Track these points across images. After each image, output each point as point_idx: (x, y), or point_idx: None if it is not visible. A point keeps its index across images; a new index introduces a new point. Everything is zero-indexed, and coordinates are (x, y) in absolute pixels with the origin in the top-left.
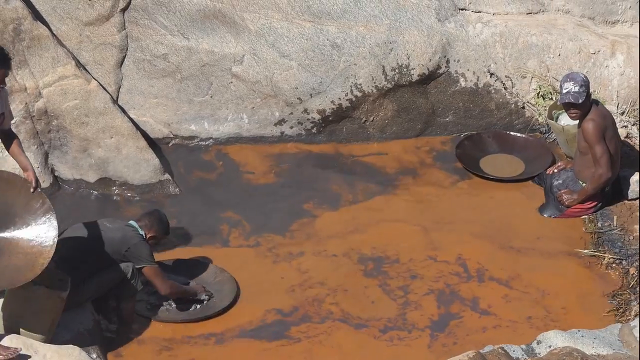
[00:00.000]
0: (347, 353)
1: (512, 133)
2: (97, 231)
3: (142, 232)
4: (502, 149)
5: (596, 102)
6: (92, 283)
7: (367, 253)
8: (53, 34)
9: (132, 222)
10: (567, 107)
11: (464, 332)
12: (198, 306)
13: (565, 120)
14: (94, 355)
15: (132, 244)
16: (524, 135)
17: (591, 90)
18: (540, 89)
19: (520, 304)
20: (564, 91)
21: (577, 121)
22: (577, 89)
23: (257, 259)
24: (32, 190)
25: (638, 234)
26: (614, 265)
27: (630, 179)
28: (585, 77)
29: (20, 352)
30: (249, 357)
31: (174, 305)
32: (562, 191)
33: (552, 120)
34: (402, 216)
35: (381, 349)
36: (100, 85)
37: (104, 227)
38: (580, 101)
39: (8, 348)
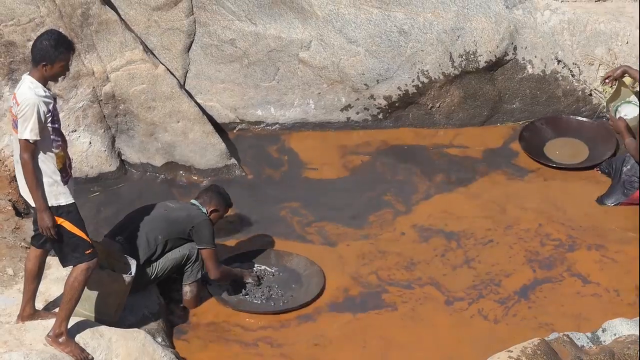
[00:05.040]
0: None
1: (563, 116)
2: (161, 212)
3: (204, 210)
4: (559, 134)
5: None
6: (158, 265)
7: (442, 230)
8: (121, 19)
9: (193, 201)
10: None
11: (548, 305)
12: (281, 302)
13: (624, 111)
14: (159, 339)
15: (197, 223)
16: (577, 118)
17: None
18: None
19: (613, 272)
20: None
21: (636, 113)
22: None
23: (328, 247)
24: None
25: None
26: None
27: None
28: None
29: (86, 338)
30: (334, 328)
31: (253, 295)
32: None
33: (612, 112)
34: (475, 204)
35: (451, 318)
36: (168, 70)
37: (168, 208)
38: None
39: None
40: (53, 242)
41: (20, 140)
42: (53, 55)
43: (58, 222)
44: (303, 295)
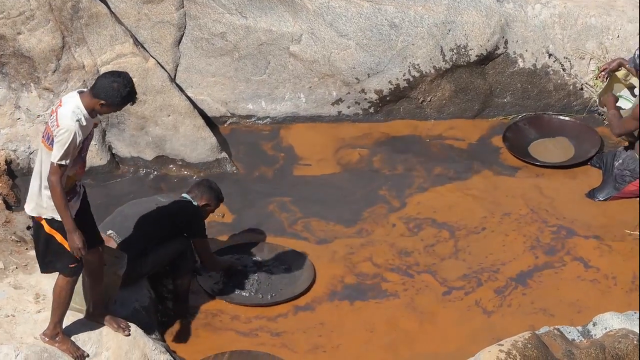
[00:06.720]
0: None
1: (545, 115)
2: (152, 206)
3: (195, 203)
4: (542, 134)
5: None
6: (149, 259)
7: (436, 221)
8: (111, 12)
9: (184, 195)
10: None
11: (543, 293)
12: (269, 295)
13: (617, 104)
14: (150, 332)
15: (188, 216)
16: (559, 117)
17: None
18: (598, 70)
19: (611, 259)
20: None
21: (629, 105)
22: None
23: (319, 242)
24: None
25: None
26: None
27: None
28: None
29: (77, 332)
30: (334, 317)
31: (242, 287)
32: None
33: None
34: (468, 196)
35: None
36: (158, 63)
37: (158, 202)
38: None
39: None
40: (38, 248)
41: (52, 162)
42: (115, 102)
43: (51, 233)
44: (292, 288)
